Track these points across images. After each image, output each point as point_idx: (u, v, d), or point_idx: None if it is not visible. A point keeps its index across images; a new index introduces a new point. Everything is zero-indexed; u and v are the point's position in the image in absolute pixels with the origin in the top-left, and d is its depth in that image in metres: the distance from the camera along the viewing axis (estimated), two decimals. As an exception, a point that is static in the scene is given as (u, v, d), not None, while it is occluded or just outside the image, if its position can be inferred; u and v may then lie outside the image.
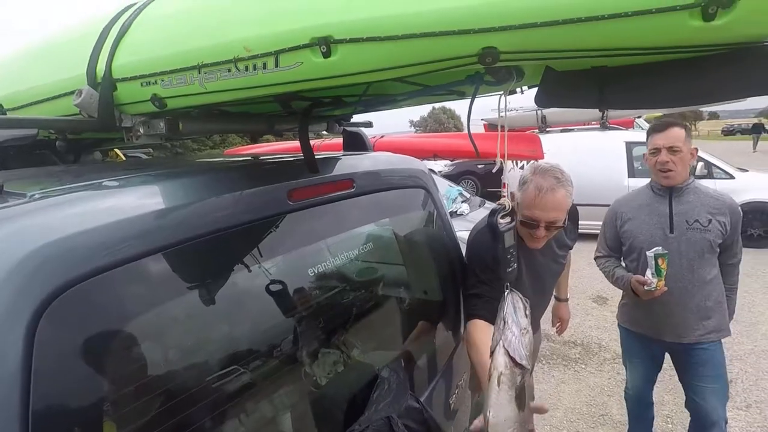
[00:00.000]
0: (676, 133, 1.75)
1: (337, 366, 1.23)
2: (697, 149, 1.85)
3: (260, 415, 1.00)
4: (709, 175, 6.28)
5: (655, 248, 1.72)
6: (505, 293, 0.98)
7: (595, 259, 2.09)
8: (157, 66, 0.82)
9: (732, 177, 6.31)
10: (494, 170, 1.40)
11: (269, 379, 1.02)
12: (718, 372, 1.82)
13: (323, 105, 1.08)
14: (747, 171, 6.66)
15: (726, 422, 1.86)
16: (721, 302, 1.83)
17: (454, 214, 5.08)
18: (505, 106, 1.00)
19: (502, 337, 0.98)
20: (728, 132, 44.25)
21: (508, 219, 1.37)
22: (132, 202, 0.81)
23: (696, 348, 1.83)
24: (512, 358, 0.97)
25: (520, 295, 0.99)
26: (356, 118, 1.71)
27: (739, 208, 1.83)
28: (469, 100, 1.11)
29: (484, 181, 9.96)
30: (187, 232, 0.82)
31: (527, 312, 0.97)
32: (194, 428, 0.84)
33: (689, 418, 1.95)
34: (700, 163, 6.32)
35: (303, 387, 1.14)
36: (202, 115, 1.01)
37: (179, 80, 0.82)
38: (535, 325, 2.02)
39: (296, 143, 1.63)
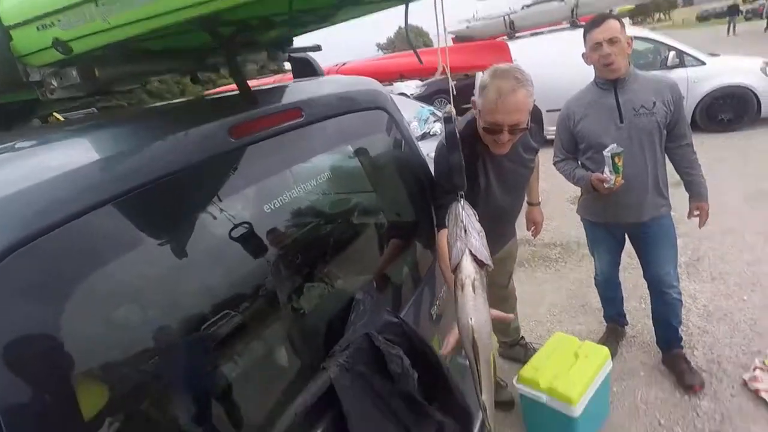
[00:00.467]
0: (613, 25, 1.79)
1: (316, 299, 1.27)
2: (632, 38, 1.87)
3: (236, 362, 1.02)
4: (681, 64, 6.20)
5: (610, 147, 1.80)
6: (460, 201, 0.99)
7: (554, 164, 2.15)
8: (49, 4, 0.74)
9: (703, 63, 6.23)
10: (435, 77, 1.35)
11: (242, 324, 1.01)
12: (671, 241, 2.05)
13: (251, 28, 1.00)
14: (718, 56, 6.58)
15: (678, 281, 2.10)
16: (666, 177, 2.01)
17: (427, 134, 5.01)
18: (442, 7, 0.93)
19: (467, 244, 1.00)
20: (703, 18, 43.15)
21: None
22: (61, 158, 0.77)
23: (653, 224, 2.01)
24: (480, 261, 1.00)
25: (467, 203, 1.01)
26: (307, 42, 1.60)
27: (678, 86, 1.93)
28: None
29: (458, 99, 9.71)
30: (124, 183, 0.79)
31: (477, 217, 0.99)
32: (167, 380, 0.86)
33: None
34: (672, 53, 6.21)
35: (280, 326, 1.16)
36: (119, 57, 0.93)
37: (77, 18, 0.74)
38: (510, 231, 2.07)
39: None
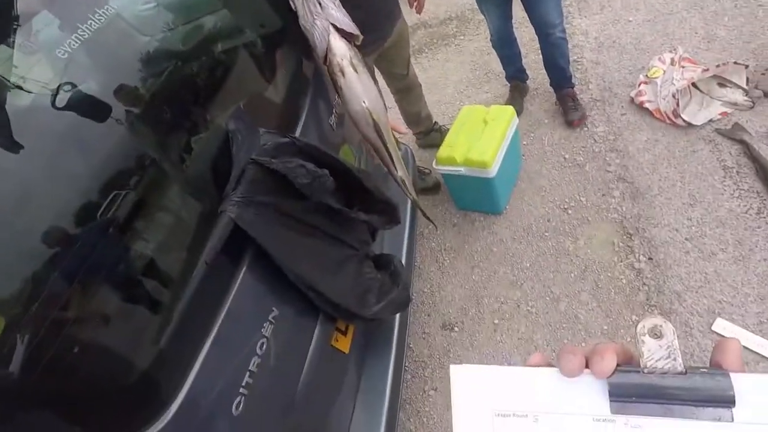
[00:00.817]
0: None
1: (197, 146, 1.11)
2: None
3: (138, 237, 0.92)
4: None
5: None
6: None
7: None
8: None
9: None
10: None
11: (132, 201, 0.90)
12: None
13: None
14: None
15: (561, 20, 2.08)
16: None
17: None
18: None
19: (327, 18, 0.83)
20: None
21: None
22: None
23: None
24: (348, 34, 0.85)
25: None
26: None
27: None
28: None
29: None
30: None
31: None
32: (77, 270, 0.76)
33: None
34: None
35: (168, 187, 1.03)
36: None
37: None
38: (396, 9, 1.86)
39: None
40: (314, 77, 1.50)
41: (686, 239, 1.73)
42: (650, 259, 1.74)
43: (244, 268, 1.01)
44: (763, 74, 2.01)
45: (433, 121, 2.49)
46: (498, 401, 0.33)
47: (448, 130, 2.47)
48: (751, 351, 1.41)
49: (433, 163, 2.03)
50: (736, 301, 1.54)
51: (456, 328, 1.85)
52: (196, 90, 1.20)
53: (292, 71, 1.47)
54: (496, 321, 1.81)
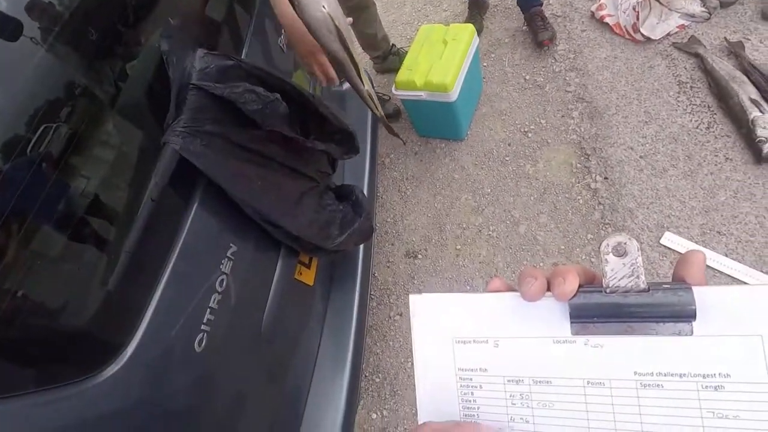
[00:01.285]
0: None
1: (133, 74, 0.99)
2: None
3: (76, 174, 0.83)
4: None
5: None
6: None
7: None
8: None
9: None
10: None
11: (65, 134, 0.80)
12: None
13: None
14: None
15: None
16: None
17: None
18: None
19: None
20: None
21: None
22: None
23: None
24: None
25: None
26: None
27: None
28: None
29: None
30: None
31: None
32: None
33: None
34: None
35: (102, 119, 0.93)
36: None
37: None
38: None
39: None
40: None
41: (640, 157, 1.78)
42: (606, 178, 1.78)
43: (195, 204, 0.95)
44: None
45: (391, 44, 2.35)
46: (457, 328, 0.32)
47: (406, 52, 2.36)
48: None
49: (392, 88, 1.94)
50: (683, 214, 1.62)
51: (419, 256, 1.88)
52: (123, 5, 1.06)
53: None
54: (459, 246, 1.84)
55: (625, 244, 0.29)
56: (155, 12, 1.12)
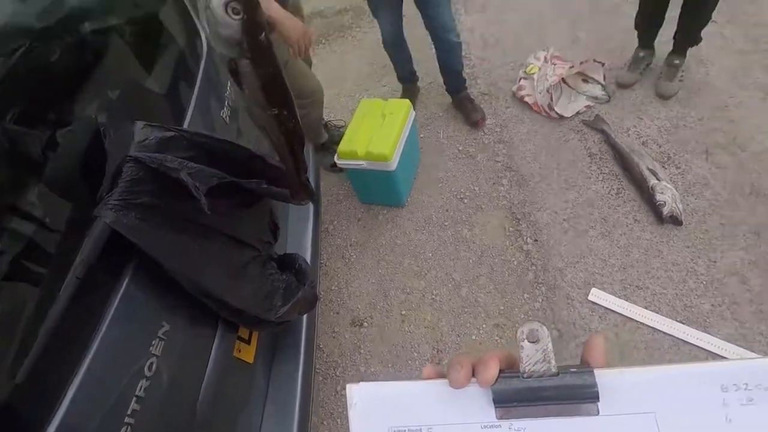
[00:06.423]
0: None
1: (63, 143, 0.95)
2: None
3: None
4: None
5: None
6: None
7: None
8: None
9: None
10: None
11: None
12: None
13: None
14: None
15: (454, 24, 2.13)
16: None
17: None
18: None
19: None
20: None
21: None
22: None
23: None
24: None
25: None
26: None
27: None
28: None
29: None
30: None
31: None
32: None
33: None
34: None
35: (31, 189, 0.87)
36: None
37: None
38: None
39: None
40: (203, 68, 1.38)
41: (564, 220, 1.93)
42: (536, 240, 1.91)
43: (126, 280, 0.89)
44: (621, 69, 2.33)
45: (324, 122, 2.44)
46: (392, 416, 0.33)
47: (338, 126, 2.47)
48: (619, 314, 1.62)
49: (335, 157, 2.01)
50: (605, 271, 1.75)
51: (365, 323, 1.86)
52: (57, 76, 1.04)
53: (175, 60, 1.33)
54: (404, 312, 1.85)
55: (537, 331, 0.32)
56: (92, 83, 1.10)
